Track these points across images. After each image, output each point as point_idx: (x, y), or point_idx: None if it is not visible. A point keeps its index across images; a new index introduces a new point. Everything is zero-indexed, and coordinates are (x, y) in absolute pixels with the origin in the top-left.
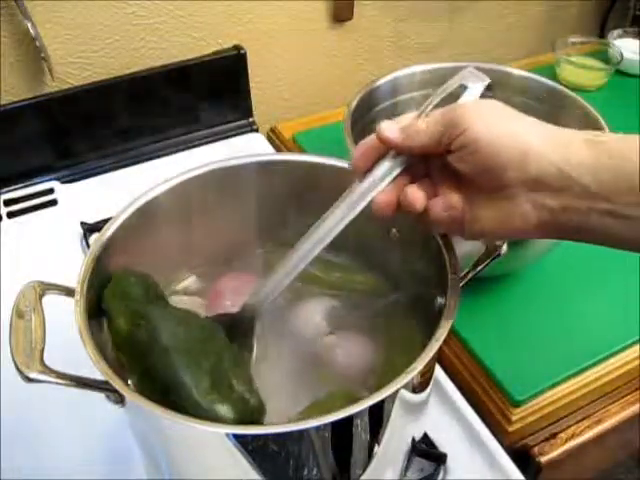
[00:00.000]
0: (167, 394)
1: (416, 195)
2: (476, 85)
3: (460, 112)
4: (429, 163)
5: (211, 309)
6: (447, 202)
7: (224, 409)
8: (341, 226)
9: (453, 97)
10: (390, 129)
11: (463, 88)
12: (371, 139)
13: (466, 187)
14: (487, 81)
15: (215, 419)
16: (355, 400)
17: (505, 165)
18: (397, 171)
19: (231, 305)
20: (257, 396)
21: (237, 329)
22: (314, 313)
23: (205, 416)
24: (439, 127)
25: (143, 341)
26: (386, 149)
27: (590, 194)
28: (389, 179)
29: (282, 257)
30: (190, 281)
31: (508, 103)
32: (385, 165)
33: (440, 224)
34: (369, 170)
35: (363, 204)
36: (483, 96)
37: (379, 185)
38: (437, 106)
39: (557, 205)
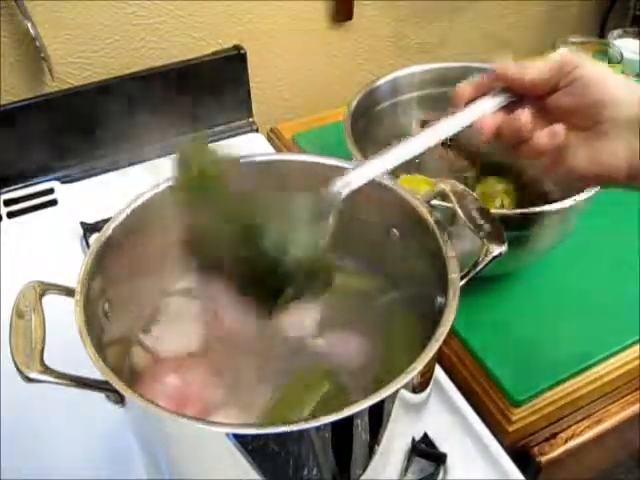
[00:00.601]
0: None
1: (527, 116)
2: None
3: (572, 55)
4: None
5: (207, 312)
6: (552, 130)
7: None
8: (441, 137)
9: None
10: (506, 64)
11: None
12: (476, 79)
13: (564, 127)
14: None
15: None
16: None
17: (608, 101)
18: (502, 102)
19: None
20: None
21: (313, 211)
22: (306, 313)
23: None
24: (552, 65)
25: None
26: (490, 88)
27: None
28: (495, 106)
29: (376, 153)
30: (187, 281)
31: None
32: (490, 96)
33: (542, 152)
34: (469, 103)
35: (470, 120)
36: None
37: (485, 109)
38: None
39: None
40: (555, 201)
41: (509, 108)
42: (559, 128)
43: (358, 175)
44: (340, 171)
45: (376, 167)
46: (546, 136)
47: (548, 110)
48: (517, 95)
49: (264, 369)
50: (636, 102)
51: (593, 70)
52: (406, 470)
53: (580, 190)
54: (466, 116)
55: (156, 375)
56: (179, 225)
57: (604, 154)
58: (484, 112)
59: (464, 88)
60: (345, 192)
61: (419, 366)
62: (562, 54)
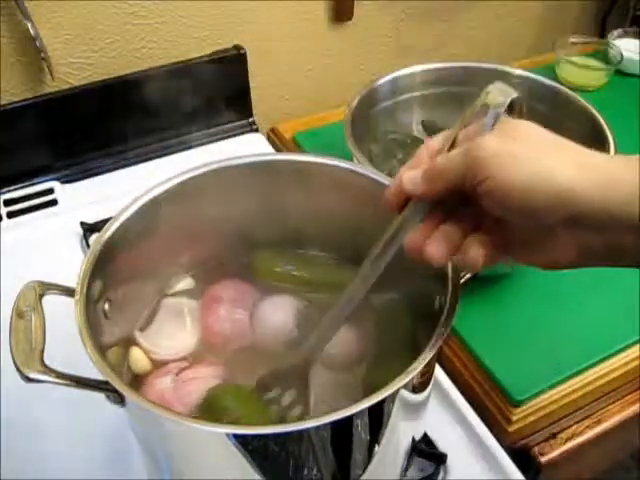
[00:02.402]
0: None
1: (434, 252)
2: (498, 104)
3: (480, 158)
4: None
5: (205, 314)
6: (470, 260)
7: None
8: (380, 270)
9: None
10: (411, 180)
11: (485, 108)
12: (393, 186)
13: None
14: (512, 95)
15: None
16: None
17: (539, 208)
18: (423, 214)
19: (226, 313)
20: None
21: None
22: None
23: None
24: (461, 168)
25: None
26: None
27: (636, 229)
28: (418, 220)
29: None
30: (186, 283)
31: None
32: (412, 206)
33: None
34: (403, 207)
35: (396, 246)
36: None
37: (409, 226)
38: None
39: (599, 243)
40: None
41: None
42: (476, 258)
43: (318, 338)
44: (340, 171)
45: (332, 323)
46: (467, 261)
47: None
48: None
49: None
50: (575, 196)
51: (507, 180)
52: (406, 470)
53: None
54: (397, 238)
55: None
56: (179, 226)
57: (551, 254)
58: (409, 230)
59: (389, 198)
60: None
61: (419, 366)
62: (473, 152)
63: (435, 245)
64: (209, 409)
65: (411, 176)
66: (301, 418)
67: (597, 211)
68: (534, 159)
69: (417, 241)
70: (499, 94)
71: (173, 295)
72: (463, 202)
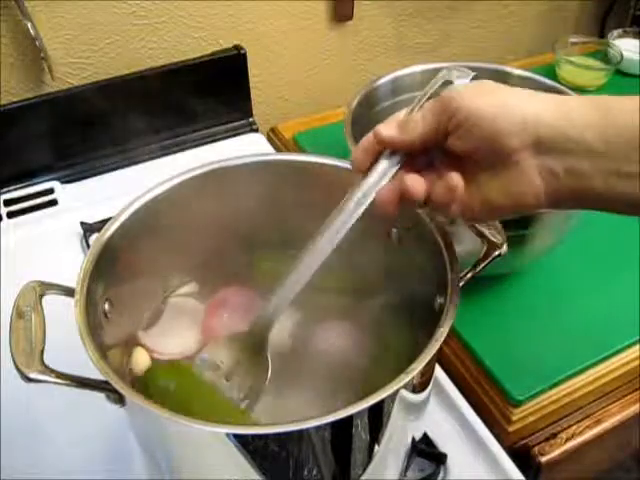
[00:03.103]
0: None
1: (416, 183)
2: (461, 80)
3: (448, 95)
4: (430, 155)
5: (209, 318)
6: (447, 184)
7: None
8: (344, 231)
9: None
10: (387, 127)
11: (448, 83)
12: (368, 138)
13: (471, 168)
14: (471, 75)
15: None
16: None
17: (504, 131)
18: (396, 167)
19: (228, 319)
20: None
21: (247, 349)
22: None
23: None
24: (432, 115)
25: None
26: (384, 148)
27: (594, 154)
28: (389, 175)
29: (287, 270)
30: (190, 286)
31: None
32: (384, 162)
33: (446, 208)
34: (369, 169)
35: (364, 205)
36: None
37: (379, 183)
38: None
39: (561, 168)
40: None
41: (415, 163)
42: (455, 179)
43: (281, 299)
44: (340, 171)
45: (296, 282)
46: (445, 190)
47: (451, 151)
48: (409, 155)
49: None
50: (537, 120)
51: (475, 107)
52: (406, 470)
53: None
54: (363, 198)
55: None
56: (179, 226)
57: (518, 185)
58: (379, 185)
59: (357, 156)
60: (273, 322)
61: (419, 366)
62: (442, 96)
63: (413, 178)
64: (144, 388)
65: (386, 127)
66: (254, 390)
67: (558, 135)
68: (502, 95)
69: (389, 193)
70: (459, 73)
71: (177, 295)
72: (429, 161)
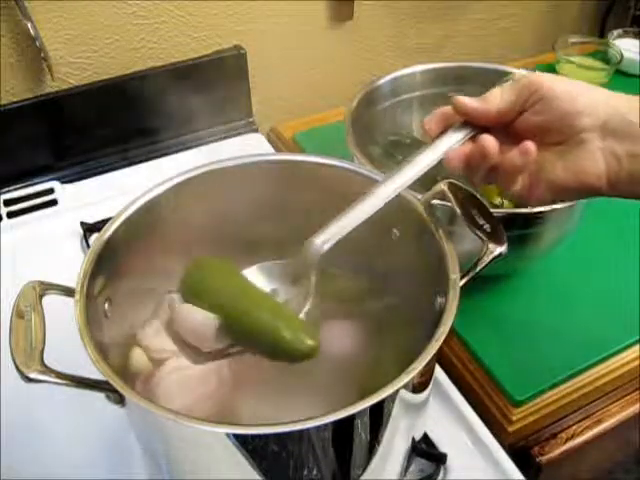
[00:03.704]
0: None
1: (491, 141)
2: None
3: (534, 76)
4: (495, 134)
5: None
6: (523, 147)
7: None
8: (409, 183)
9: None
10: (466, 98)
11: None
12: (442, 109)
13: (537, 146)
14: None
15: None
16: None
17: (580, 110)
18: (465, 137)
19: None
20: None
21: (290, 276)
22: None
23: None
24: (512, 90)
25: None
26: (453, 121)
27: None
28: (458, 141)
29: (353, 202)
30: None
31: None
32: (453, 132)
33: (514, 174)
34: (440, 135)
35: (432, 163)
36: None
37: (448, 146)
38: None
39: (624, 152)
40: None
41: (474, 137)
42: (530, 144)
43: (336, 230)
44: (340, 171)
45: (351, 220)
46: (518, 155)
47: (516, 133)
48: (481, 127)
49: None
50: (607, 105)
51: (557, 84)
52: (406, 470)
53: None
54: (434, 153)
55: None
56: (179, 226)
57: (583, 164)
58: (450, 146)
59: (429, 123)
60: (324, 248)
61: (419, 366)
62: (525, 75)
63: (488, 138)
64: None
65: (466, 98)
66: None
67: (623, 120)
68: (577, 82)
69: (457, 153)
70: None
71: (174, 293)
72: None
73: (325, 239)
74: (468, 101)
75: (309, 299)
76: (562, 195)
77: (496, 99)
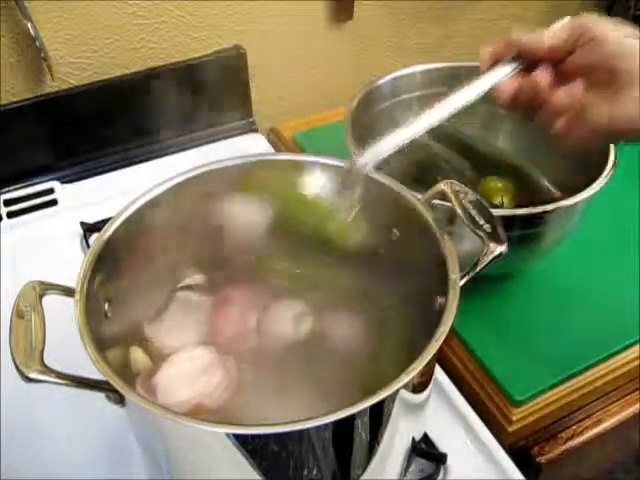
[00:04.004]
0: None
1: (542, 74)
2: None
3: (585, 20)
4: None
5: (211, 317)
6: (570, 87)
7: None
8: (456, 108)
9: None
10: (520, 34)
11: None
12: (497, 45)
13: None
14: None
15: None
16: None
17: (627, 53)
18: (514, 69)
19: (231, 317)
20: None
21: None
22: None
23: None
24: (563, 29)
25: None
26: (505, 55)
27: None
28: (508, 73)
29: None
30: (196, 279)
31: None
32: (504, 64)
33: (562, 112)
34: (490, 68)
35: (483, 91)
36: None
37: (498, 77)
38: None
39: None
40: (555, 200)
41: (524, 73)
42: (577, 85)
43: (386, 145)
44: (340, 171)
45: (403, 135)
46: (564, 94)
47: (563, 72)
48: (532, 62)
49: (265, 367)
50: None
51: (608, 27)
52: (406, 470)
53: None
54: (484, 82)
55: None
56: (179, 226)
57: (625, 106)
58: (500, 78)
59: (484, 54)
60: (373, 162)
61: (419, 366)
62: (577, 18)
63: (540, 73)
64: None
65: (520, 34)
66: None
67: None
68: (625, 27)
69: (506, 85)
70: None
71: (182, 290)
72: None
73: (371, 156)
74: (520, 35)
75: (355, 208)
76: (603, 137)
77: (552, 36)
